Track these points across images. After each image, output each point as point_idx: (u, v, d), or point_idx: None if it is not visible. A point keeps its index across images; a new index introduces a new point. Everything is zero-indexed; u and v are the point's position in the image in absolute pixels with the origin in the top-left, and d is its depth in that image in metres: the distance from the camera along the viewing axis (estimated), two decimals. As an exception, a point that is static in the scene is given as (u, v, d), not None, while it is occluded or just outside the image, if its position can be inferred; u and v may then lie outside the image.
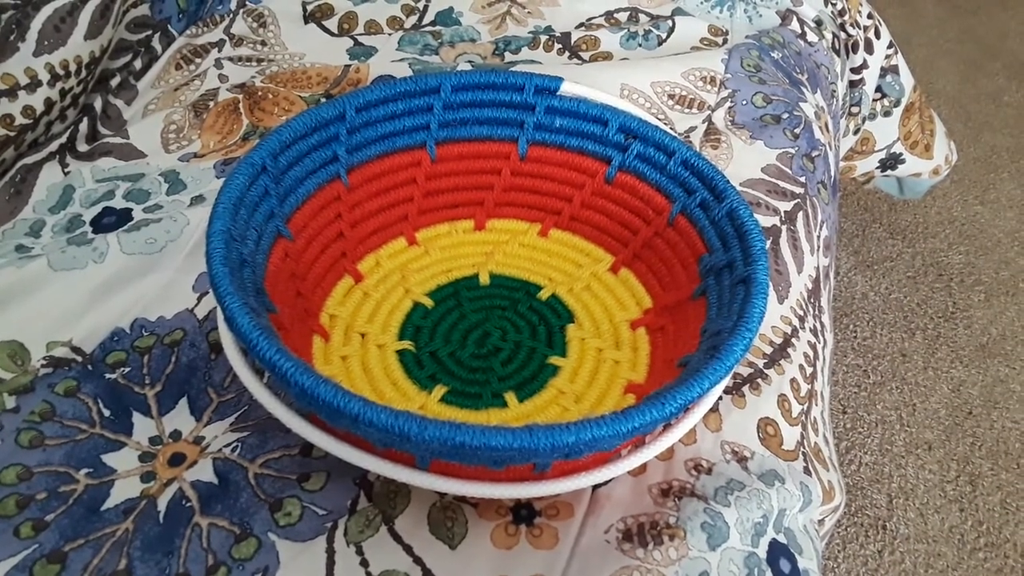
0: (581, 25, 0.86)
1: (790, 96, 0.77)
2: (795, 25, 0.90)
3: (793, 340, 0.57)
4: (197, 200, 0.61)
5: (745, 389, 0.52)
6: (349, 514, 0.43)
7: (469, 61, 0.79)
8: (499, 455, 0.35)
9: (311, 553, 0.41)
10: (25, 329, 0.51)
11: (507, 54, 0.81)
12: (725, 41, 0.85)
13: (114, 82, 0.74)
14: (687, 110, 0.73)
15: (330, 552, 0.41)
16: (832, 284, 0.74)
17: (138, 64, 0.76)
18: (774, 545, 0.45)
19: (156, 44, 0.78)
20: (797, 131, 0.73)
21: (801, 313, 0.60)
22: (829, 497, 0.52)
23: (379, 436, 0.35)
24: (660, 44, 0.84)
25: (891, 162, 1.18)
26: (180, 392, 0.49)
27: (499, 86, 0.57)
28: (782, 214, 0.65)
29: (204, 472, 0.45)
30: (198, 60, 0.77)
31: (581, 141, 0.57)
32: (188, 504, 0.43)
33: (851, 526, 1.00)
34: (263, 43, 0.80)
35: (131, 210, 0.60)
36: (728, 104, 0.74)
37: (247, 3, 0.84)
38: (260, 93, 0.72)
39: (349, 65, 0.76)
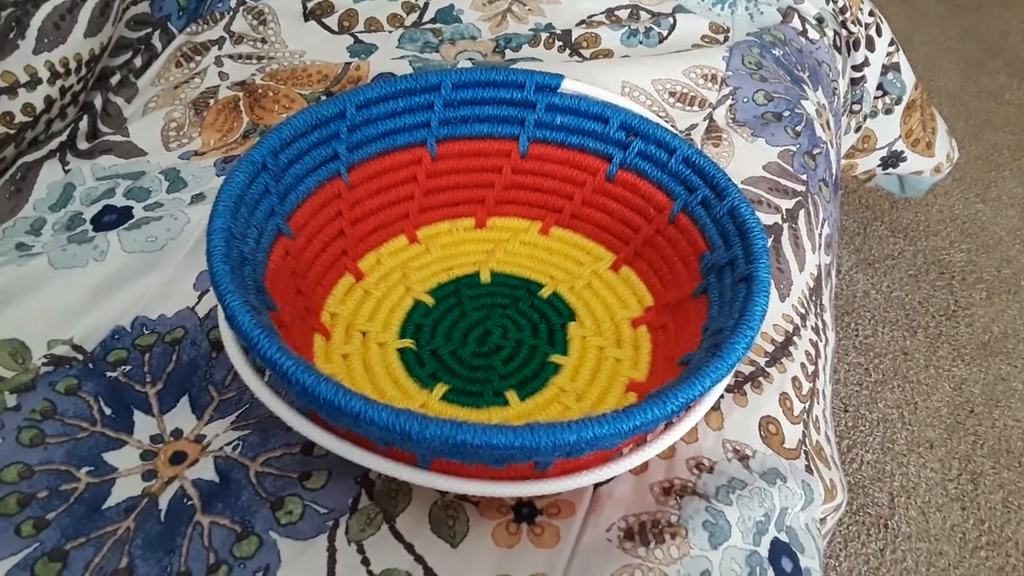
0: (582, 22, 0.86)
1: (791, 94, 0.77)
2: (796, 22, 0.90)
3: (795, 338, 0.57)
4: (198, 198, 0.61)
5: (747, 387, 0.52)
6: (350, 512, 0.43)
7: (470, 59, 0.79)
8: (500, 453, 0.35)
9: (312, 552, 0.41)
10: (26, 327, 0.51)
11: (508, 51, 0.81)
12: (726, 38, 0.85)
13: (114, 80, 0.74)
14: (688, 108, 0.73)
15: (331, 551, 0.41)
16: (834, 282, 0.74)
17: (138, 62, 0.76)
18: (776, 544, 0.45)
19: (156, 42, 0.78)
20: (798, 129, 0.73)
21: (803, 311, 0.60)
22: (831, 495, 0.52)
23: (380, 434, 0.35)
24: (661, 41, 0.83)
25: (892, 160, 1.18)
26: (181, 390, 0.49)
27: (500, 84, 0.56)
28: (783, 212, 0.65)
29: (205, 470, 0.45)
30: (198, 58, 0.77)
31: (582, 139, 0.57)
32: (189, 502, 0.43)
33: (853, 524, 1.00)
34: (263, 41, 0.80)
35: (132, 208, 0.60)
36: (729, 102, 0.74)
37: (247, 0, 0.83)
38: (260, 91, 0.72)
39: (349, 63, 0.76)
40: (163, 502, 0.43)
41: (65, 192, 0.62)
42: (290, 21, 0.82)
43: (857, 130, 1.10)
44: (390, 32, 0.83)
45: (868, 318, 1.26)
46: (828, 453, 0.56)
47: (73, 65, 0.67)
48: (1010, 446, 1.10)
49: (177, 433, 0.47)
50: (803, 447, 0.52)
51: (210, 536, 0.42)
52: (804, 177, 0.69)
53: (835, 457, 0.57)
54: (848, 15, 0.97)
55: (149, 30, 0.77)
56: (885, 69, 1.06)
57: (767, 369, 0.54)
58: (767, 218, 0.63)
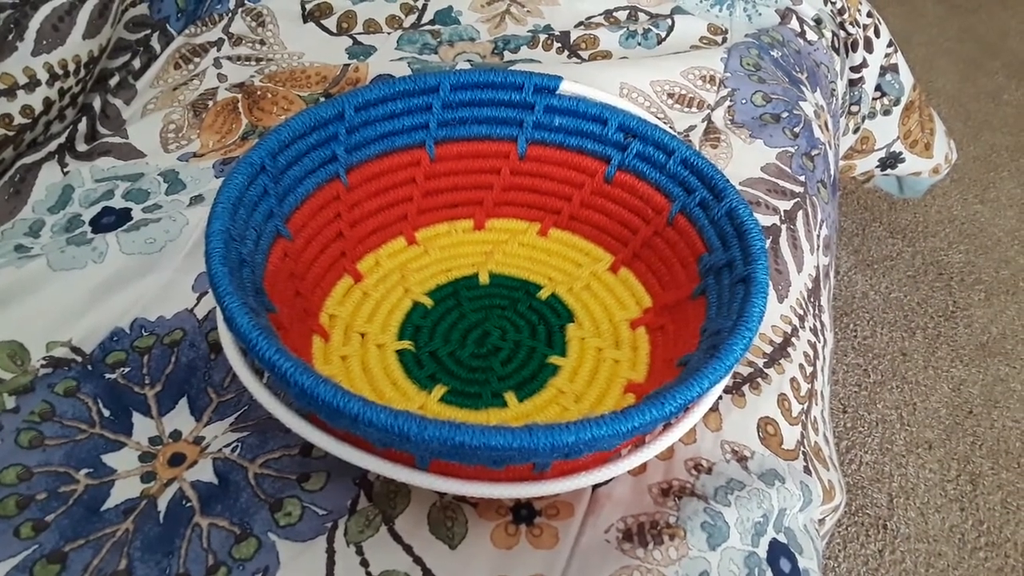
0: (580, 24, 0.86)
1: (790, 95, 0.77)
2: (794, 24, 0.90)
3: (793, 339, 0.57)
4: (196, 200, 0.61)
5: (745, 388, 0.52)
6: (349, 514, 0.43)
7: (468, 60, 0.79)
8: (499, 455, 0.35)
9: (311, 553, 0.41)
10: (25, 329, 0.51)
11: (506, 53, 0.81)
12: (724, 40, 0.85)
13: (113, 81, 0.74)
14: (686, 109, 0.73)
15: (330, 552, 0.41)
16: (832, 283, 0.74)
17: (137, 63, 0.76)
18: (774, 545, 0.45)
19: (155, 43, 0.78)
20: (797, 130, 0.73)
21: (801, 312, 0.60)
22: (829, 496, 0.52)
23: (379, 436, 0.35)
24: (659, 43, 0.84)
25: (891, 161, 1.18)
26: (180, 392, 0.49)
27: (498, 85, 0.56)
28: (782, 213, 0.65)
29: (204, 472, 0.45)
30: (197, 59, 0.77)
31: (580, 140, 0.57)
32: (188, 504, 0.43)
33: (851, 525, 1.00)
34: (262, 42, 0.80)
35: (130, 210, 0.60)
36: (728, 103, 0.74)
37: (246, 2, 0.84)
38: (259, 92, 0.72)
39: (348, 64, 0.76)
40: (162, 504, 0.43)
41: (64, 194, 0.62)
42: (289, 23, 0.82)
43: (855, 131, 1.10)
44: (389, 34, 0.83)
45: (867, 319, 1.26)
46: (827, 454, 0.56)
47: (72, 67, 0.67)
48: (1009, 447, 1.10)
49: (176, 435, 0.47)
50: (801, 448, 0.52)
51: (209, 538, 0.42)
52: (802, 178, 0.69)
53: (834, 458, 0.57)
54: (846, 16, 0.98)
55: (148, 32, 0.77)
56: (883, 70, 1.07)
57: (765, 370, 0.54)
58: (765, 219, 0.63)
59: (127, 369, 0.50)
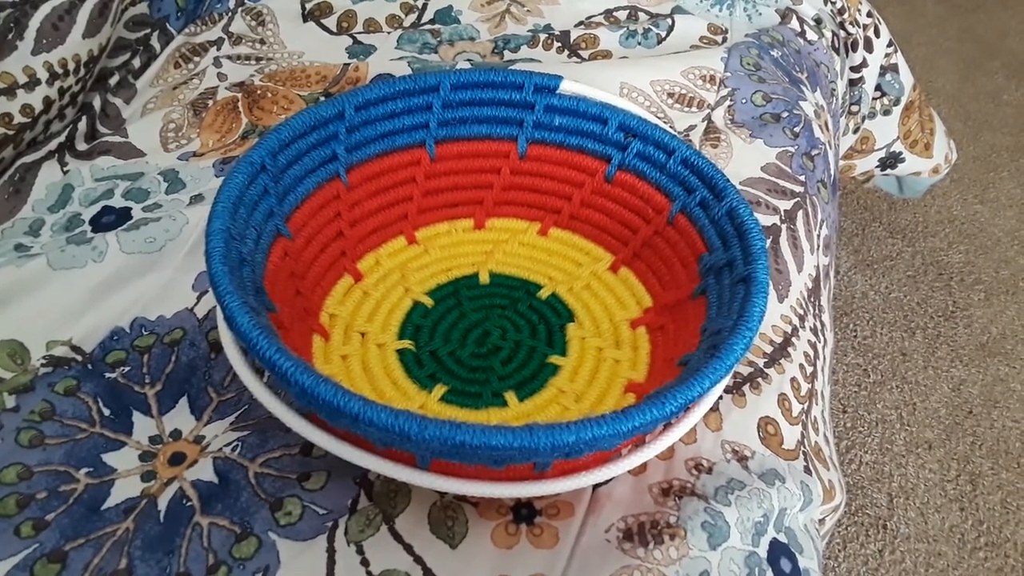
0: (580, 23, 0.86)
1: (790, 95, 0.77)
2: (795, 23, 0.90)
3: (793, 339, 0.57)
4: (196, 199, 0.61)
5: (745, 388, 0.52)
6: (349, 513, 0.43)
7: (468, 60, 0.79)
8: (499, 454, 0.35)
9: (311, 552, 0.41)
10: (25, 328, 0.51)
11: (506, 52, 0.81)
12: (725, 39, 0.85)
13: (113, 81, 0.74)
14: (687, 109, 0.73)
15: (330, 551, 0.41)
16: (832, 283, 0.74)
17: (137, 63, 0.76)
18: (775, 544, 0.45)
19: (155, 42, 0.78)
20: (797, 130, 0.73)
21: (801, 312, 0.60)
22: (830, 496, 0.52)
23: (379, 435, 0.35)
24: (659, 43, 0.84)
25: (891, 161, 1.18)
26: (180, 391, 0.49)
27: (498, 85, 0.56)
28: (782, 213, 0.65)
29: (204, 471, 0.45)
30: (197, 59, 0.77)
31: (581, 140, 0.57)
32: (188, 503, 0.43)
33: (851, 525, 1.00)
34: (262, 41, 0.80)
35: (130, 209, 0.60)
36: (728, 103, 0.74)
37: (245, 1, 0.83)
38: (259, 92, 0.72)
39: (348, 63, 0.76)
40: (162, 503, 0.43)
41: (64, 193, 0.62)
42: (289, 22, 0.82)
43: (855, 131, 1.10)
44: (389, 33, 0.83)
45: (866, 319, 1.27)
46: (827, 454, 0.56)
47: (72, 66, 0.67)
48: (1008, 447, 1.10)
49: (176, 434, 0.47)
50: (802, 448, 0.52)
51: (209, 537, 0.42)
52: (802, 178, 0.69)
53: (834, 458, 0.57)
54: (846, 16, 0.98)
55: (148, 31, 0.77)
56: (883, 70, 1.07)
57: (766, 370, 0.54)
58: (765, 219, 0.63)
59: (127, 368, 0.50)
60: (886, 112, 1.11)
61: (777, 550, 0.45)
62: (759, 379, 0.53)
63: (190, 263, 0.56)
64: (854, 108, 1.05)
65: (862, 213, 1.46)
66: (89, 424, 0.47)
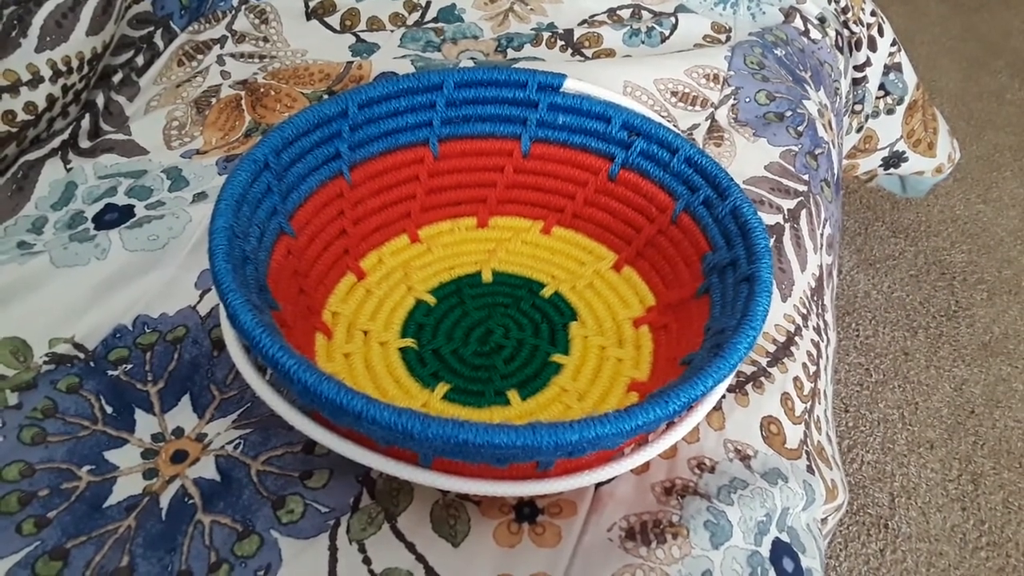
0: (584, 22, 0.86)
1: (793, 94, 0.77)
2: (798, 22, 0.90)
3: (796, 338, 0.57)
4: (199, 197, 0.61)
5: (748, 387, 0.52)
6: (352, 512, 0.43)
7: (471, 58, 0.79)
8: (502, 453, 0.35)
9: (313, 551, 0.41)
10: (27, 326, 0.51)
11: (509, 51, 0.81)
12: (728, 38, 0.85)
13: (116, 78, 0.74)
14: (690, 107, 0.73)
15: (332, 550, 0.41)
16: (835, 282, 0.74)
17: (140, 60, 0.76)
18: (777, 544, 0.45)
19: (158, 40, 0.78)
20: (800, 129, 0.73)
21: (804, 311, 0.60)
22: (832, 496, 0.52)
23: (382, 434, 0.35)
24: (663, 41, 0.83)
25: (894, 160, 1.18)
26: (182, 389, 0.49)
27: (502, 83, 0.56)
28: (785, 212, 0.65)
29: (206, 469, 0.45)
30: (200, 56, 0.77)
31: (584, 138, 0.57)
32: (190, 501, 0.43)
33: (853, 525, 1.00)
34: (265, 39, 0.80)
35: (133, 207, 0.60)
36: (731, 101, 0.74)
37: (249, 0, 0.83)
38: (262, 90, 0.72)
39: (351, 62, 0.76)
40: (164, 501, 0.43)
41: (67, 190, 0.62)
42: (292, 20, 0.82)
43: (859, 130, 1.10)
44: (392, 31, 0.83)
45: (869, 318, 1.26)
46: (829, 453, 0.56)
47: (75, 63, 0.67)
48: (1011, 447, 1.10)
49: (178, 432, 0.47)
50: (804, 447, 0.52)
51: (211, 535, 0.42)
52: (806, 177, 0.69)
53: (836, 457, 0.57)
54: (850, 15, 0.97)
55: (151, 29, 0.77)
56: (887, 69, 1.06)
57: (769, 369, 0.54)
58: (769, 218, 0.63)
59: (130, 366, 0.50)
60: (889, 111, 1.11)
61: (780, 549, 0.45)
62: (762, 378, 0.53)
63: (193, 261, 0.56)
64: (857, 107, 1.05)
65: (865, 212, 1.46)
66: (91, 422, 0.47)
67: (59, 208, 0.61)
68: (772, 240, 0.62)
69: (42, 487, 0.43)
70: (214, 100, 0.71)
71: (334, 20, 0.83)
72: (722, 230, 0.50)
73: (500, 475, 0.39)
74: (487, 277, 0.57)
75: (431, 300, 0.55)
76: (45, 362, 0.50)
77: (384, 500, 0.43)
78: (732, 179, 0.51)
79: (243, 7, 0.82)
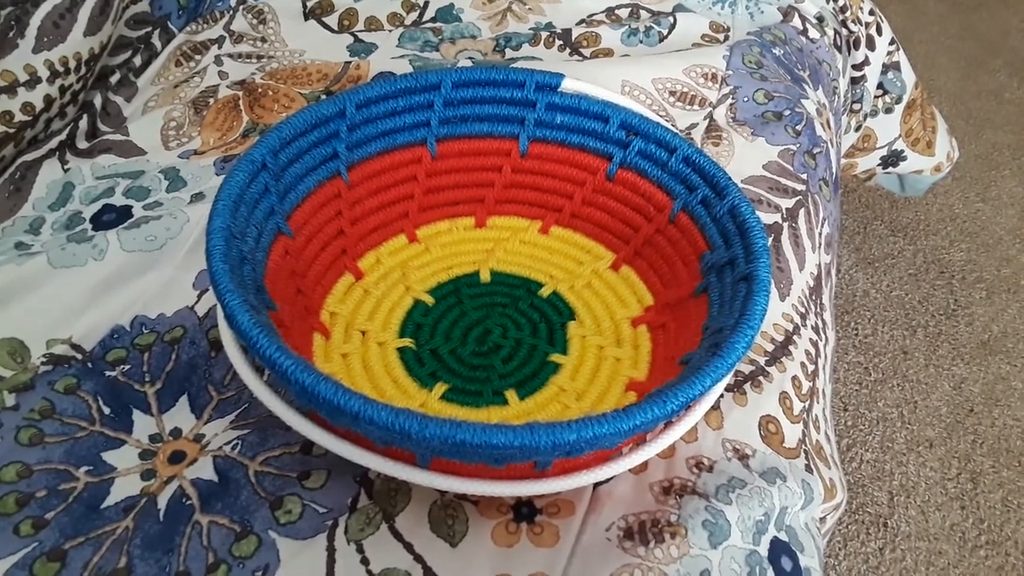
0: (582, 21, 0.86)
1: (792, 93, 0.77)
2: (797, 21, 0.90)
3: (795, 338, 0.57)
4: (197, 197, 0.61)
5: (747, 387, 0.52)
6: (350, 512, 0.43)
7: (470, 58, 0.79)
8: (500, 453, 0.35)
9: (311, 551, 0.41)
10: (25, 326, 0.51)
11: (508, 51, 0.81)
12: (727, 38, 0.85)
13: (114, 79, 0.74)
14: (688, 107, 0.73)
15: (330, 550, 0.41)
16: (834, 281, 0.74)
17: (138, 61, 0.76)
18: (776, 543, 0.45)
19: (156, 41, 0.78)
20: (799, 128, 0.73)
21: (803, 310, 0.60)
22: (831, 495, 0.52)
23: (380, 434, 0.35)
24: (661, 41, 0.83)
25: (893, 159, 1.18)
26: (180, 390, 0.49)
27: (500, 83, 0.56)
28: (784, 211, 0.65)
29: (204, 470, 0.45)
30: (198, 57, 0.77)
31: (582, 138, 0.57)
32: (188, 502, 0.43)
33: (852, 524, 1.00)
34: (263, 40, 0.80)
35: (131, 207, 0.60)
36: (730, 101, 0.74)
37: (247, 0, 0.83)
38: (260, 90, 0.72)
39: (349, 62, 0.76)
40: (162, 501, 0.43)
41: (64, 191, 0.62)
42: (290, 20, 0.82)
43: (857, 129, 1.10)
44: (390, 31, 0.83)
45: (868, 317, 1.26)
46: (828, 452, 0.56)
47: (73, 64, 0.67)
48: (1009, 445, 1.10)
49: (176, 432, 0.47)
50: (803, 446, 0.52)
51: (209, 535, 0.41)
52: (804, 176, 0.69)
53: (835, 456, 0.57)
54: (848, 14, 0.97)
55: (149, 29, 0.77)
56: (885, 68, 1.06)
57: (767, 368, 0.54)
58: (767, 217, 0.63)
59: (127, 367, 0.50)
60: (888, 110, 1.11)
61: (778, 548, 0.45)
62: (760, 377, 0.53)
63: (191, 261, 0.56)
64: (856, 106, 1.05)
65: (864, 211, 1.46)
66: (89, 422, 0.47)
67: (57, 209, 0.61)
68: (770, 239, 0.62)
69: (40, 488, 0.43)
70: (212, 100, 0.71)
71: (332, 20, 0.83)
72: (720, 229, 0.50)
73: (498, 475, 0.39)
74: (485, 277, 0.57)
75: (429, 300, 0.55)
76: (43, 363, 0.50)
77: (382, 500, 0.43)
78: (730, 178, 0.51)
79: (241, 7, 0.82)
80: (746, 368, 0.53)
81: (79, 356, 0.50)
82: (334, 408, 0.35)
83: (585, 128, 0.56)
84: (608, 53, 0.81)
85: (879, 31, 1.02)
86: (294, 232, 0.51)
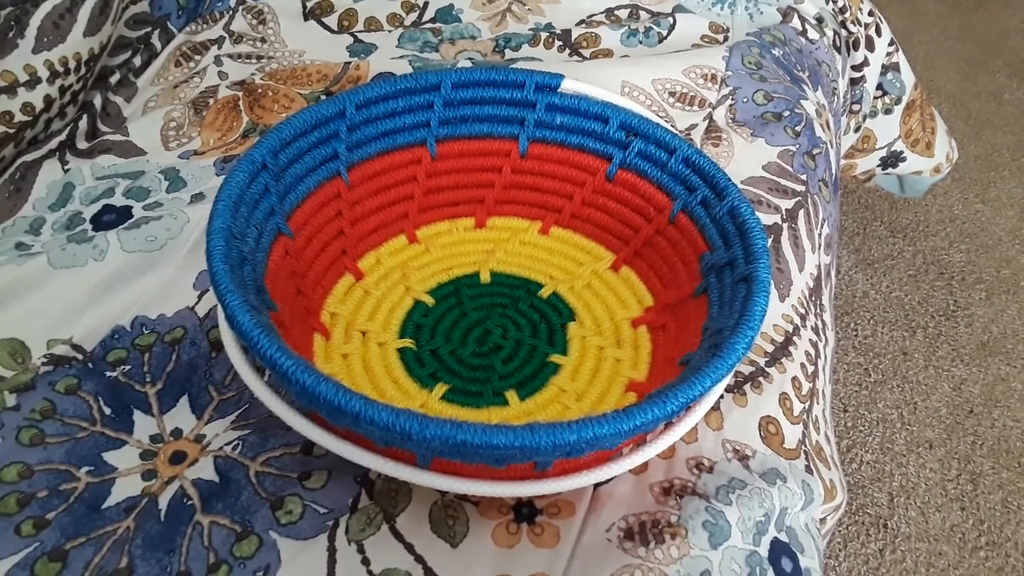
0: (582, 22, 0.86)
1: (791, 94, 0.77)
2: (796, 22, 0.90)
3: (794, 338, 0.57)
4: (197, 198, 0.61)
5: (747, 387, 0.52)
6: (350, 512, 0.43)
7: (469, 58, 0.79)
8: (500, 453, 0.35)
9: (312, 551, 0.41)
10: (25, 327, 0.51)
11: (507, 51, 0.81)
12: (726, 38, 0.85)
13: (114, 79, 0.74)
14: (688, 108, 0.73)
15: (331, 550, 0.41)
16: (833, 282, 0.74)
17: (138, 61, 0.76)
18: (776, 544, 0.45)
19: (156, 41, 0.78)
20: (798, 129, 0.73)
21: (802, 311, 0.60)
22: (831, 496, 0.52)
23: (380, 434, 0.35)
24: (661, 41, 0.83)
25: (892, 160, 1.18)
26: (181, 390, 0.49)
27: (500, 83, 0.56)
28: (783, 212, 0.65)
29: (205, 470, 0.45)
30: (198, 57, 0.77)
31: (582, 139, 0.57)
32: (189, 502, 0.43)
33: (852, 524, 1.00)
34: (263, 40, 0.80)
35: (131, 208, 0.60)
36: (729, 102, 0.74)
37: (246, 0, 0.83)
38: (260, 90, 0.72)
39: (349, 62, 0.76)
40: (163, 502, 0.43)
41: (64, 191, 0.62)
42: (289, 20, 0.82)
43: (857, 130, 1.10)
44: (390, 32, 0.83)
45: (867, 318, 1.26)
46: (828, 453, 0.56)
47: (72, 64, 0.67)
48: (1009, 446, 1.10)
49: (177, 433, 0.47)
50: (803, 447, 0.52)
51: (210, 536, 0.41)
52: (804, 177, 0.69)
53: (835, 457, 0.57)
54: (848, 15, 0.97)
55: (148, 29, 0.77)
56: (885, 69, 1.06)
57: (767, 369, 0.54)
58: (767, 218, 0.63)
59: (128, 367, 0.50)
60: (887, 111, 1.11)
61: (778, 549, 0.45)
62: (760, 378, 0.53)
63: (191, 262, 0.56)
64: (855, 107, 1.05)
65: (863, 212, 1.46)
66: (90, 423, 0.47)
67: (57, 209, 0.61)
68: (770, 240, 0.62)
69: (41, 488, 0.43)
70: (212, 101, 0.71)
71: (332, 20, 0.83)
72: (720, 230, 0.50)
73: (498, 475, 0.39)
74: (485, 277, 0.57)
75: (429, 300, 0.55)
76: (43, 363, 0.50)
77: (383, 501, 0.43)
78: (730, 179, 0.51)
79: (240, 8, 0.82)
80: (746, 369, 0.53)
81: (80, 356, 0.50)
82: (335, 409, 0.35)
83: (585, 129, 0.56)
84: (608, 54, 0.81)
85: (878, 32, 1.02)
86: (294, 232, 0.51)
